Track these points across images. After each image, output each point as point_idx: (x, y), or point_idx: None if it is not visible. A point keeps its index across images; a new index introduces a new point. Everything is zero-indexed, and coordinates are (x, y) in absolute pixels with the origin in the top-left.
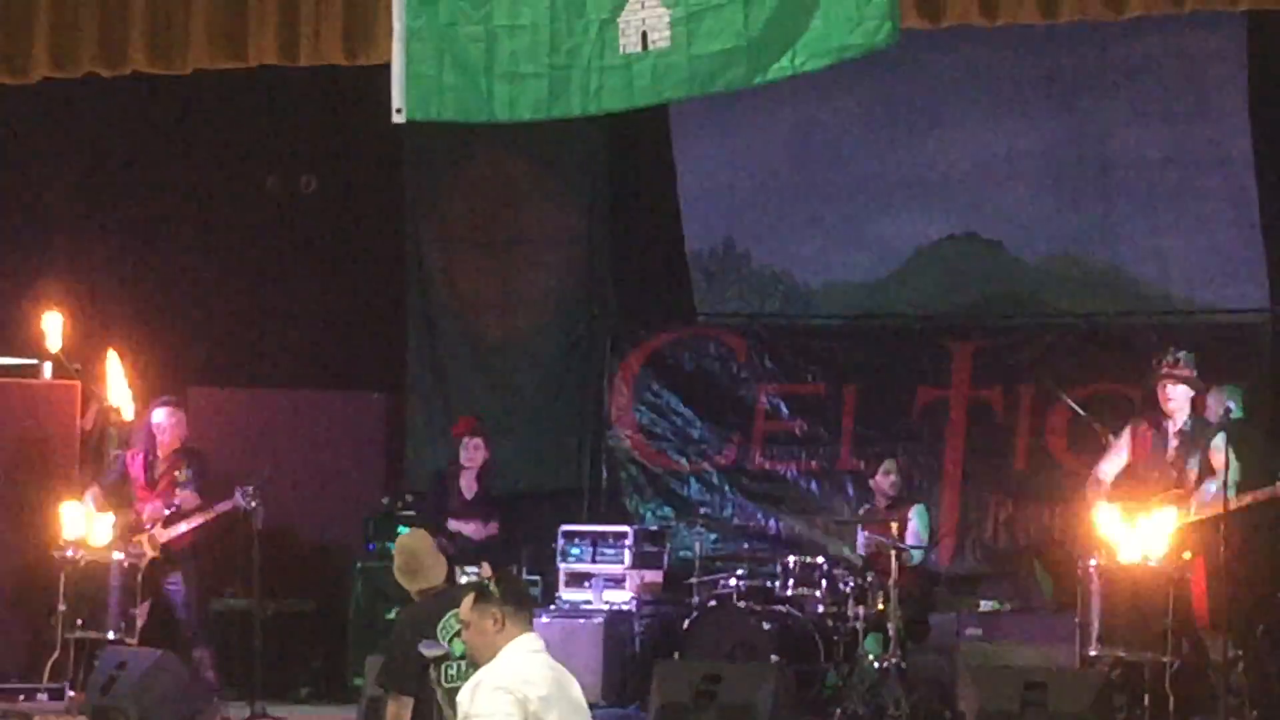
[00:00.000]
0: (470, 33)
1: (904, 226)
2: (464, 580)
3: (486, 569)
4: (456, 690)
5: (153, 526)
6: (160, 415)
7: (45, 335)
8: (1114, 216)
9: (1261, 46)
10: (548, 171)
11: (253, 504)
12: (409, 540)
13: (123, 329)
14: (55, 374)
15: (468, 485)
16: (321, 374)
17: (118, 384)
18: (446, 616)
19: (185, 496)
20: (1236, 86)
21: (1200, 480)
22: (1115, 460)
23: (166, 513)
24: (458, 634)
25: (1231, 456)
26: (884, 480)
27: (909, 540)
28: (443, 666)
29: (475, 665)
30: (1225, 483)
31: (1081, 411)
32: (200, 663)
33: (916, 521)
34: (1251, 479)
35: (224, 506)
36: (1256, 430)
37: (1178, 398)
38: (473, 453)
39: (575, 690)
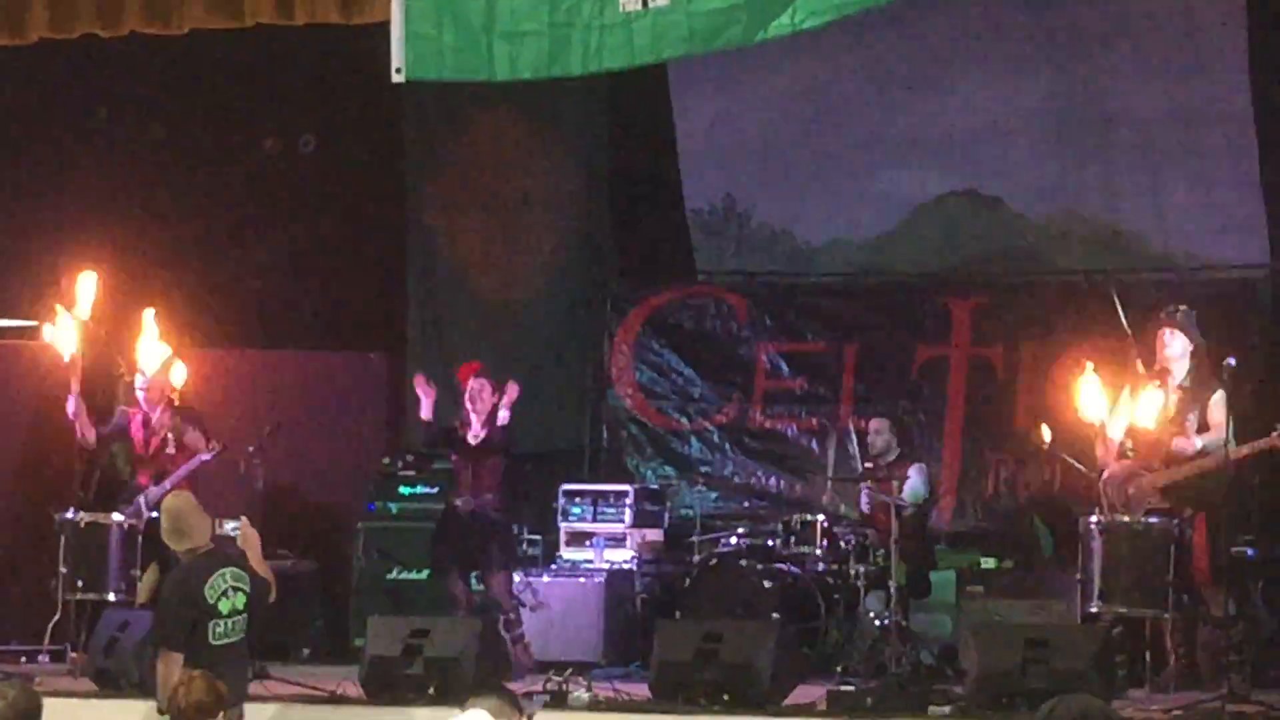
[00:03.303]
0: None
1: (904, 184)
2: (226, 533)
3: (245, 523)
4: (225, 647)
5: (149, 486)
6: (140, 380)
7: (75, 298)
8: (1114, 173)
9: (1261, 2)
10: (547, 131)
11: (219, 456)
12: (173, 502)
13: (120, 292)
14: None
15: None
16: (322, 335)
17: (149, 342)
18: (215, 575)
19: (175, 455)
20: (1236, 42)
21: (1199, 436)
22: (1123, 419)
23: (162, 470)
24: (225, 593)
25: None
26: (873, 439)
27: (904, 496)
28: (210, 624)
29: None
30: (1226, 440)
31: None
32: None
33: (914, 478)
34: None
35: (193, 464)
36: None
37: (1174, 347)
38: (484, 395)
39: None
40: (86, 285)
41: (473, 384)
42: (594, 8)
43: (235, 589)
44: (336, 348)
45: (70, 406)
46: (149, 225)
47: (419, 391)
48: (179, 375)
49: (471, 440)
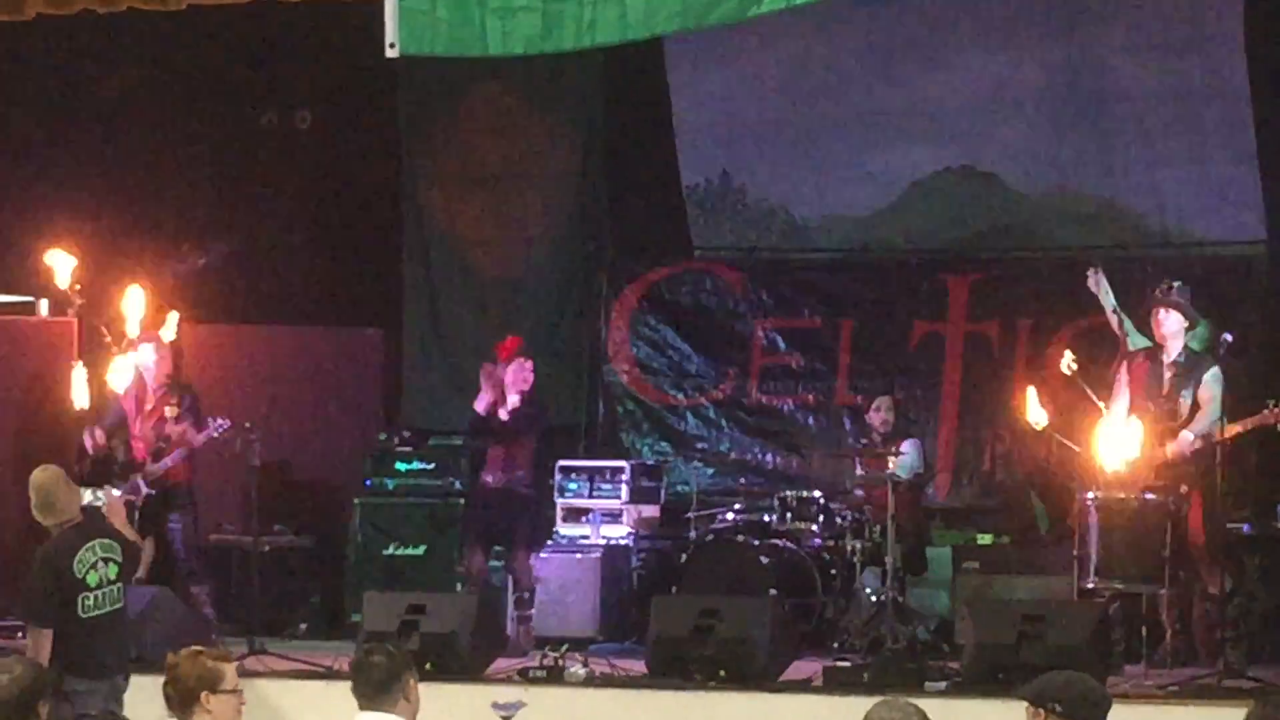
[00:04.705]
0: None
1: (901, 160)
2: (88, 503)
3: (109, 491)
4: (97, 618)
5: (144, 463)
6: (145, 352)
7: (53, 272)
8: (1110, 149)
9: None
10: (543, 106)
11: (224, 433)
12: (41, 476)
13: (117, 265)
14: (52, 311)
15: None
16: (318, 310)
17: (134, 319)
18: (83, 548)
19: (176, 431)
20: (1233, 18)
21: (1193, 412)
22: (1121, 400)
23: (160, 446)
24: (94, 565)
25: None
26: (875, 416)
27: (899, 472)
28: (80, 597)
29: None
30: (1221, 417)
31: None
32: (198, 599)
33: (909, 453)
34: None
35: (198, 441)
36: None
37: (1170, 324)
38: (527, 375)
39: None
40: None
41: (517, 363)
42: None
43: (105, 560)
44: (333, 323)
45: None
46: (145, 201)
47: (483, 382)
48: (169, 332)
49: (504, 416)
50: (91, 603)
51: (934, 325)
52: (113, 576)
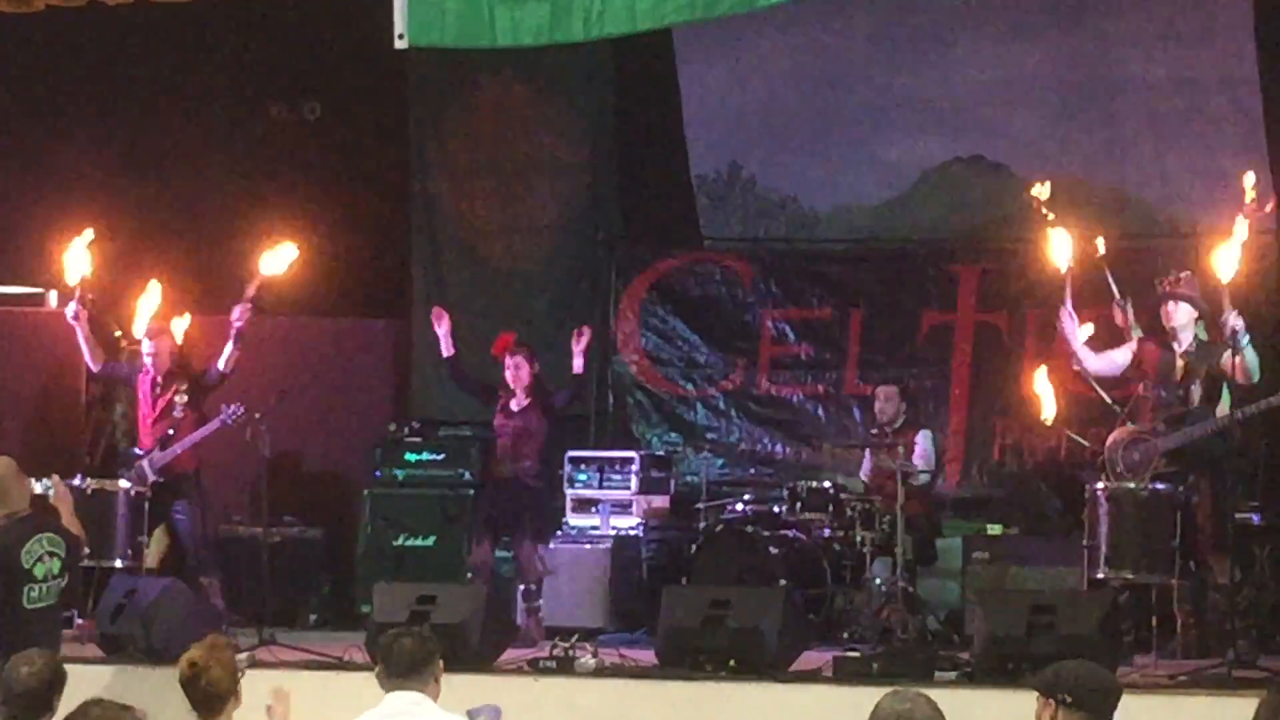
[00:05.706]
0: None
1: (910, 150)
2: (38, 493)
3: (56, 480)
4: (40, 610)
5: (152, 450)
6: (148, 345)
7: (67, 266)
8: (1120, 139)
9: None
10: (552, 96)
11: (239, 420)
12: None
13: (126, 258)
14: (60, 302)
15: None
16: (327, 301)
17: (145, 312)
18: (31, 540)
19: (182, 418)
20: (1243, 8)
21: (1203, 402)
22: (1112, 354)
23: (170, 434)
24: (40, 558)
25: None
26: (875, 405)
27: (917, 462)
28: (24, 589)
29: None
30: (1231, 406)
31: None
32: (208, 590)
33: (924, 444)
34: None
35: (212, 427)
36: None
37: (1179, 316)
38: (523, 371)
39: None
40: (82, 245)
41: (509, 360)
42: None
43: (50, 554)
44: (342, 314)
45: (70, 311)
46: (155, 192)
47: (436, 326)
48: (180, 329)
49: (515, 407)
50: (36, 594)
51: (943, 315)
52: (56, 572)
